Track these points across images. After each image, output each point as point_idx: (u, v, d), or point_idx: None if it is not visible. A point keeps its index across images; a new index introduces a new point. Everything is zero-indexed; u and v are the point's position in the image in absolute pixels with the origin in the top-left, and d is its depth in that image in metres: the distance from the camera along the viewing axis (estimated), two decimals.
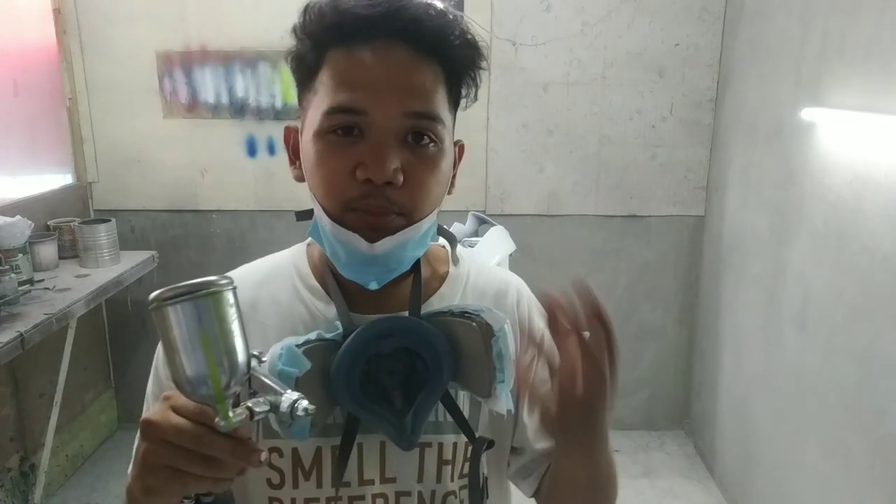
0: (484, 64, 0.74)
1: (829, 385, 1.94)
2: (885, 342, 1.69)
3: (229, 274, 0.81)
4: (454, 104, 0.74)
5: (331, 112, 0.68)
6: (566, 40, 2.84)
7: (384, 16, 0.67)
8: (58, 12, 2.79)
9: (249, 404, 0.55)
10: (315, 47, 0.71)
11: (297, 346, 0.67)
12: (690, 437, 3.17)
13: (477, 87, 0.75)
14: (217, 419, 0.53)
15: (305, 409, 0.56)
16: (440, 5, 0.70)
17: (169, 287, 0.52)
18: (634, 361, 3.16)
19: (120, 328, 3.14)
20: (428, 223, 0.73)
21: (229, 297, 0.54)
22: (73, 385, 2.77)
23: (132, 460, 0.60)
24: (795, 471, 2.14)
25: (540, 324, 0.87)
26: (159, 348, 0.79)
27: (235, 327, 0.54)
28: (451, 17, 0.70)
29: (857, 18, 1.84)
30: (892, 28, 1.69)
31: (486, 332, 0.69)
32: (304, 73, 0.73)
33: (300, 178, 0.76)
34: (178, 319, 0.52)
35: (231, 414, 0.53)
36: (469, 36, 0.72)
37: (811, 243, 2.07)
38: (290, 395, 0.56)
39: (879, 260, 1.72)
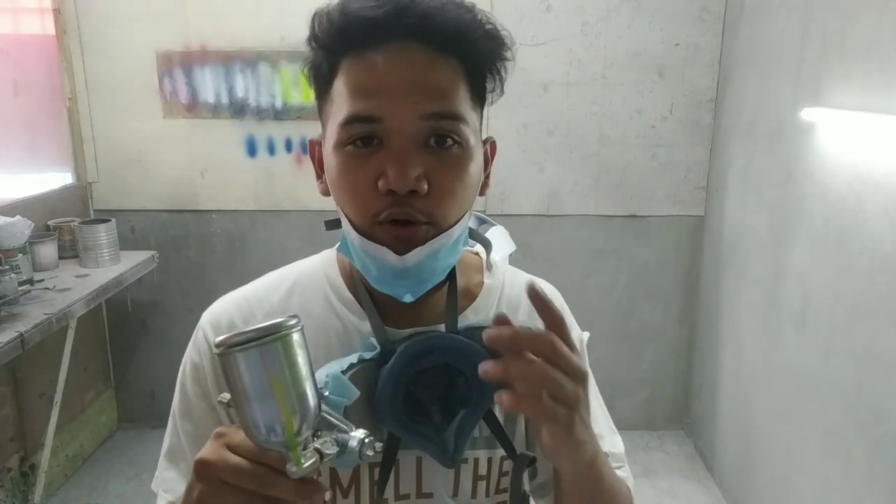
0: (508, 54, 0.70)
1: (829, 385, 1.94)
2: (885, 342, 1.69)
3: (255, 283, 0.80)
4: (479, 101, 0.71)
5: (347, 123, 0.65)
6: (566, 40, 2.84)
7: (392, 15, 0.63)
8: (58, 12, 2.79)
9: (317, 446, 0.53)
10: (328, 56, 0.68)
11: (343, 371, 0.65)
12: (690, 437, 3.17)
13: (503, 80, 0.72)
14: (288, 465, 0.51)
15: (374, 448, 0.54)
16: None
17: (235, 332, 0.50)
18: (634, 361, 3.17)
19: (120, 328, 3.14)
20: (459, 230, 0.69)
21: (299, 338, 0.52)
22: (73, 385, 2.77)
23: (183, 499, 0.57)
24: (795, 471, 2.14)
25: (573, 333, 0.86)
26: (185, 361, 0.78)
27: (305, 370, 0.52)
28: (466, 8, 0.66)
29: (857, 18, 1.84)
30: (892, 28, 1.68)
31: None
32: (321, 84, 0.70)
33: (326, 193, 0.73)
34: (247, 366, 0.50)
35: (302, 459, 0.52)
36: (489, 26, 0.68)
37: (811, 243, 2.07)
38: (357, 434, 0.55)
39: (879, 260, 1.72)
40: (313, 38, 0.68)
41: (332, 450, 0.54)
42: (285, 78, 2.86)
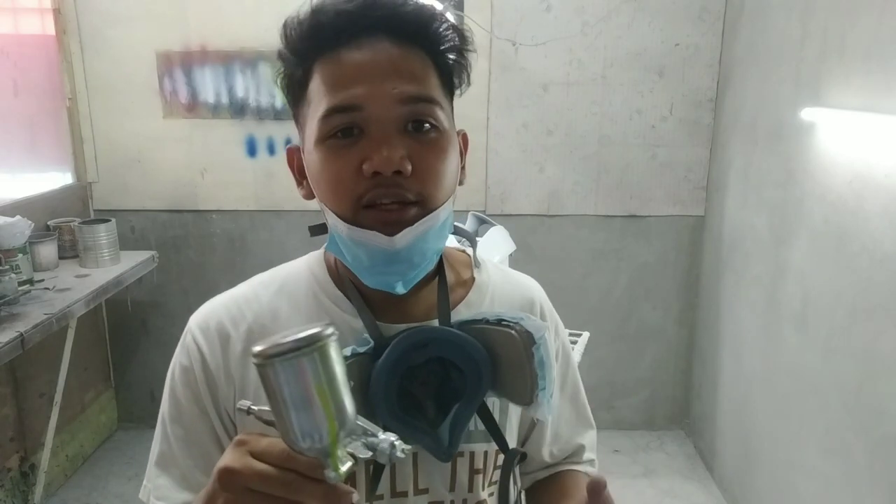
0: (471, 47, 0.73)
1: (829, 385, 1.94)
2: (885, 342, 1.69)
3: (243, 285, 0.81)
4: (448, 92, 0.73)
5: (327, 115, 0.67)
6: (566, 40, 2.84)
7: (361, 8, 0.66)
8: (58, 12, 2.79)
9: (350, 450, 0.53)
10: (301, 62, 0.70)
11: None
12: (690, 437, 3.17)
13: (468, 72, 0.74)
14: (327, 471, 0.51)
15: (404, 451, 0.54)
16: None
17: (273, 343, 0.50)
18: (634, 361, 3.16)
19: (120, 328, 3.14)
20: (445, 212, 0.70)
21: (336, 346, 0.52)
22: (73, 385, 2.77)
23: None
24: (795, 471, 2.14)
25: (563, 337, 0.89)
26: (174, 365, 0.77)
27: (343, 377, 0.52)
28: (425, 4, 0.70)
29: (857, 18, 1.84)
30: (892, 28, 1.69)
31: (527, 340, 0.68)
32: (296, 89, 0.72)
33: (309, 197, 0.74)
34: (287, 376, 0.50)
35: (339, 464, 0.52)
36: (450, 20, 0.71)
37: (811, 243, 2.07)
38: (386, 437, 0.55)
39: (879, 260, 1.72)
40: (285, 45, 0.70)
41: (364, 453, 0.54)
42: None
